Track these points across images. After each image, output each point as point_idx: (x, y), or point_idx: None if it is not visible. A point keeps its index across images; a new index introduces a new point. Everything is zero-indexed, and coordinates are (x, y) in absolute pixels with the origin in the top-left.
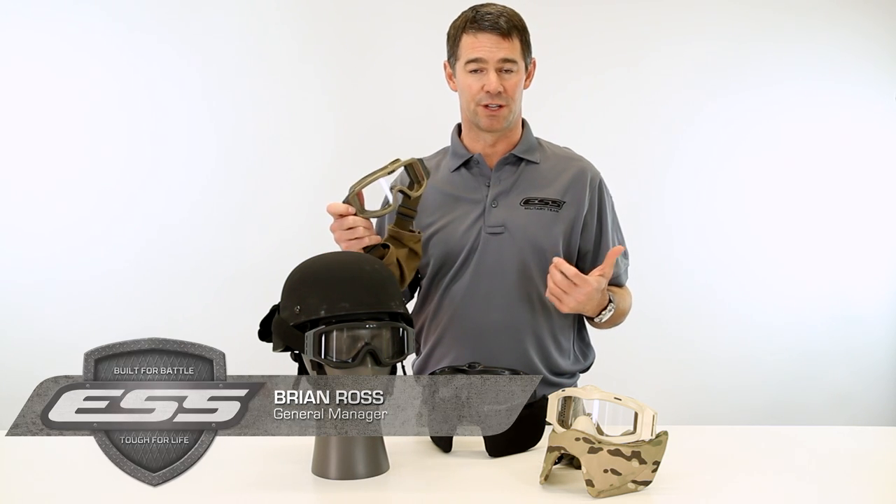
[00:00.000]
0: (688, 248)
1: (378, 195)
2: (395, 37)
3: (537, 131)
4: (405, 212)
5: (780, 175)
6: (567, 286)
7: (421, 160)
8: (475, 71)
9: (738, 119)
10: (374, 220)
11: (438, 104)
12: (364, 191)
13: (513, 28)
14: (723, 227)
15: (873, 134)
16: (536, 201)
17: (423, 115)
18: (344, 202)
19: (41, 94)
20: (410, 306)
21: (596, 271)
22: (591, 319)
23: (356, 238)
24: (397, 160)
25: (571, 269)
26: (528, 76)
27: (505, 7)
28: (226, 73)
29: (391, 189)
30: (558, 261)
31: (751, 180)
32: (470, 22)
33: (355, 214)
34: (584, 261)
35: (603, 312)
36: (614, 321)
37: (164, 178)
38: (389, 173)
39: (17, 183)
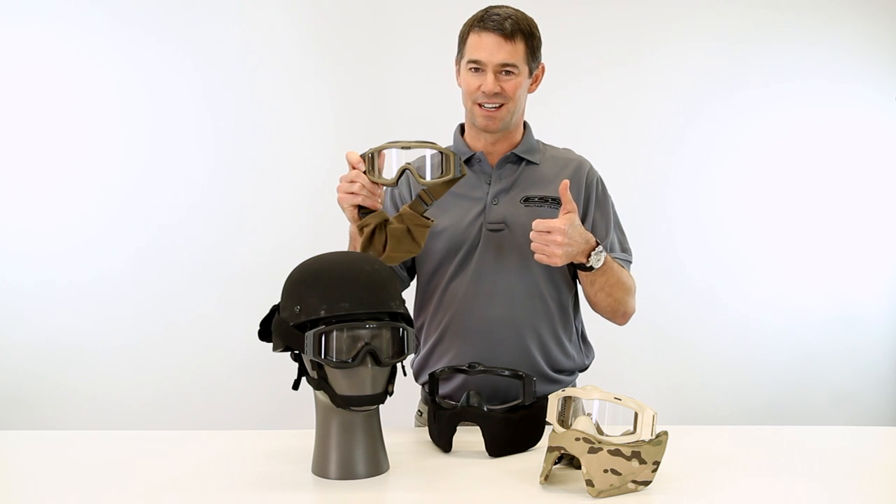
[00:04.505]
0: (688, 248)
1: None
2: (396, 37)
3: (538, 131)
4: (424, 197)
5: (781, 175)
6: (542, 238)
7: (459, 158)
8: (475, 70)
9: (738, 119)
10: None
11: (440, 105)
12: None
13: (518, 32)
14: (723, 227)
15: (873, 134)
16: (536, 199)
17: (425, 117)
18: (361, 155)
19: (40, 94)
20: (409, 306)
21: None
22: (586, 269)
23: (350, 193)
24: (434, 143)
25: (536, 222)
26: (535, 80)
27: (516, 11)
28: (225, 72)
29: (417, 173)
30: (535, 223)
31: (751, 180)
32: (477, 21)
33: (365, 172)
34: None
35: (592, 256)
36: (614, 287)
37: (164, 179)
38: (417, 147)
39: (16, 183)
